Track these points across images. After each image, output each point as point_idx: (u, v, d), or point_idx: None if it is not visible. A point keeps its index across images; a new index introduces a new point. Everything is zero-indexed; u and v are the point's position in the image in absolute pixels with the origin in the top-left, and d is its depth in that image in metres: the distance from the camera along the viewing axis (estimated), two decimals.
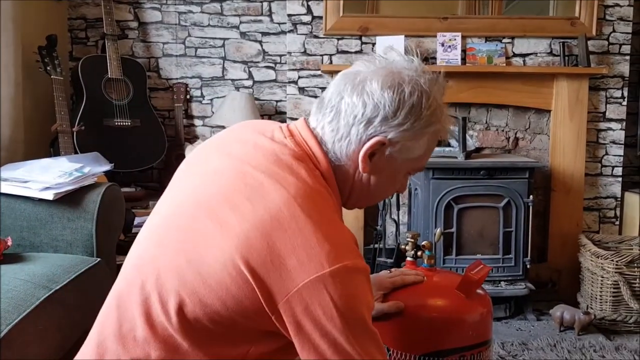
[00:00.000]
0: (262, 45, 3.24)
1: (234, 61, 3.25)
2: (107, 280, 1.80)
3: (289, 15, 2.98)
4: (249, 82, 3.26)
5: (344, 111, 0.96)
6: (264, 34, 3.23)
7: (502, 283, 2.67)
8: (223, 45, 3.24)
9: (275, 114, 3.27)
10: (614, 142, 3.04)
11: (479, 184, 2.64)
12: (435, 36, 2.92)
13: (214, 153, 1.02)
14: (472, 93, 2.93)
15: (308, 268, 0.82)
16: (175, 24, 3.23)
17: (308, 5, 2.96)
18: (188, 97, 3.25)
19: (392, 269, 1.28)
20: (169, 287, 0.88)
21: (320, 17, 2.95)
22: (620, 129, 3.03)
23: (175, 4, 3.22)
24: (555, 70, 2.93)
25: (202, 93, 3.27)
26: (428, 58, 2.93)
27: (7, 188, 1.92)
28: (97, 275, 1.81)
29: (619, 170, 3.05)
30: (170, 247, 0.91)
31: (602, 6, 2.95)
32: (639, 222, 2.98)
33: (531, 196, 2.66)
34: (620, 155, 3.04)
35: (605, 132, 3.04)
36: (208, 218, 0.89)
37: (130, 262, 0.98)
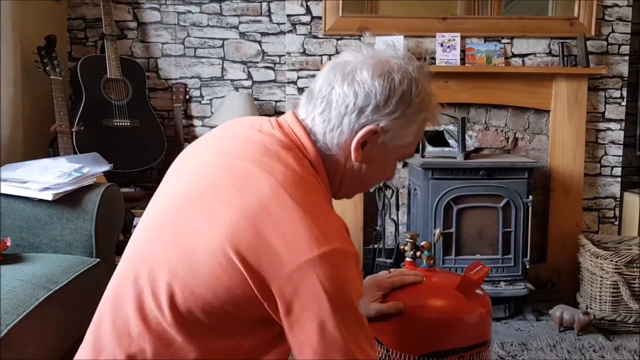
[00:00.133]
0: (261, 46, 3.24)
1: (233, 61, 3.25)
2: (107, 280, 1.78)
3: (288, 16, 2.98)
4: (248, 83, 3.26)
5: (335, 101, 0.96)
6: (263, 34, 3.23)
7: (502, 283, 2.67)
8: (222, 46, 3.24)
9: (274, 114, 3.27)
10: (613, 142, 3.04)
11: (478, 184, 2.64)
12: (435, 36, 2.92)
13: (205, 149, 1.04)
14: (471, 93, 2.94)
15: (297, 252, 0.83)
16: (175, 24, 3.23)
17: (307, 6, 2.96)
18: (187, 97, 3.25)
19: (391, 270, 1.28)
20: (161, 281, 0.89)
21: (320, 18, 2.95)
22: (620, 129, 3.03)
23: (175, 4, 3.22)
24: (554, 71, 2.93)
25: (201, 93, 3.27)
26: (427, 58, 2.93)
27: (6, 188, 1.91)
28: (96, 275, 1.81)
29: (618, 171, 3.05)
30: (161, 242, 0.92)
31: (601, 6, 2.96)
32: (638, 222, 2.98)
33: (530, 196, 2.66)
34: (619, 156, 3.04)
35: (604, 132, 3.04)
36: (198, 211, 0.90)
37: (124, 260, 0.99)
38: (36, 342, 1.44)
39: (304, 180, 0.91)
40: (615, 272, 2.50)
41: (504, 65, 2.95)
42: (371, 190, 2.94)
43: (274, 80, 3.26)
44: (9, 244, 1.74)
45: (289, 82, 3.01)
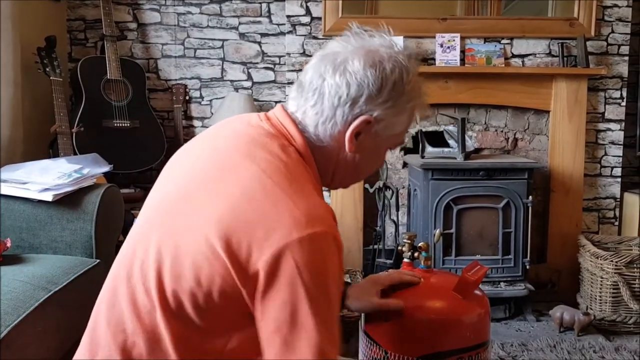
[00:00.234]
0: (261, 46, 3.25)
1: (233, 62, 3.25)
2: None
3: (288, 16, 2.98)
4: (248, 83, 3.26)
5: (328, 93, 0.96)
6: (263, 35, 3.24)
7: (502, 284, 2.67)
8: (222, 46, 3.25)
9: None
10: (613, 143, 3.04)
11: (478, 184, 2.64)
12: (434, 37, 2.92)
13: (200, 146, 1.05)
14: (471, 94, 2.93)
15: (277, 236, 0.82)
16: (174, 25, 3.23)
17: (307, 6, 2.96)
18: (187, 98, 3.25)
19: (390, 270, 1.29)
20: (152, 277, 0.89)
21: (319, 18, 2.95)
22: (620, 130, 3.03)
23: (174, 5, 3.22)
24: (554, 71, 2.93)
25: (201, 94, 3.27)
26: (427, 59, 2.94)
27: (6, 189, 1.92)
28: (96, 276, 1.81)
29: (618, 171, 3.05)
30: (152, 239, 0.93)
31: (600, 7, 2.96)
32: (639, 222, 2.98)
33: (530, 197, 2.66)
34: (619, 156, 3.04)
35: (604, 133, 3.04)
36: (187, 206, 0.91)
37: (118, 259, 1.00)
38: (36, 342, 1.45)
39: (288, 166, 0.91)
40: (615, 273, 2.50)
41: (503, 65, 2.95)
42: (371, 190, 2.94)
43: (273, 81, 3.26)
44: (9, 244, 1.74)
45: (288, 83, 3.01)
